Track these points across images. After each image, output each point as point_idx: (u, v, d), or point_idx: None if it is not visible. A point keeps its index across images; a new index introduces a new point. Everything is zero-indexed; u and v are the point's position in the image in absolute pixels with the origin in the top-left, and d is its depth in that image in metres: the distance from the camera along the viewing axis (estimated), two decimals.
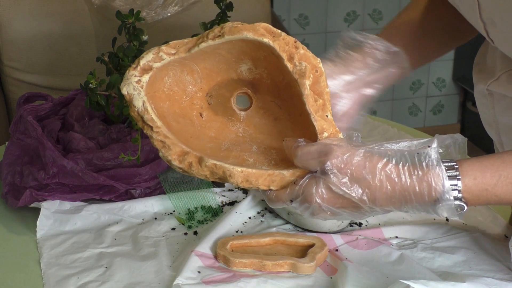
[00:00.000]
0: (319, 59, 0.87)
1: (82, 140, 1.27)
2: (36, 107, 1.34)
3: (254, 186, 0.84)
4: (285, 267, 1.06)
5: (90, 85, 1.24)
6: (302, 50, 0.86)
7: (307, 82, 0.85)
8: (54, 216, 1.20)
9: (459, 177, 0.81)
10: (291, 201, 0.84)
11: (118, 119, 1.34)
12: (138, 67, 0.85)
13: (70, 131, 1.30)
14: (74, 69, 2.11)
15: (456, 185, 0.81)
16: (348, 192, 0.82)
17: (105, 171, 1.24)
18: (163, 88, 0.89)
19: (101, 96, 1.26)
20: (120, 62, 1.33)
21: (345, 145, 0.83)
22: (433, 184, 0.80)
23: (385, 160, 0.82)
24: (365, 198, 0.82)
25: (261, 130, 0.91)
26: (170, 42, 0.88)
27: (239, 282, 1.02)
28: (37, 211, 1.20)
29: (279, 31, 0.86)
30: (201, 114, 0.90)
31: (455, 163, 0.82)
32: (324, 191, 0.82)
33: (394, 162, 0.81)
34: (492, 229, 1.17)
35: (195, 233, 1.17)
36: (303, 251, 1.08)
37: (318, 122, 0.86)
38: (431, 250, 1.11)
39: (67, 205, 1.23)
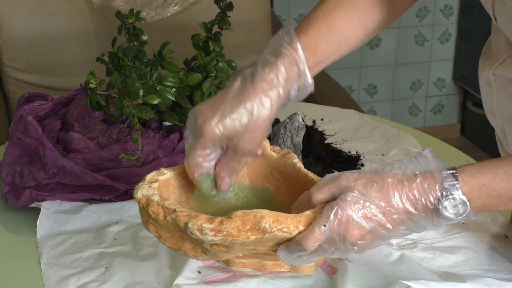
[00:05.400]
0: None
1: (82, 140, 1.27)
2: (36, 107, 1.34)
3: (284, 225, 0.85)
4: (285, 267, 1.06)
5: (90, 85, 1.24)
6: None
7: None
8: (54, 216, 1.20)
9: (457, 174, 0.84)
10: (324, 225, 0.85)
11: (118, 119, 1.34)
12: (146, 180, 0.93)
13: (70, 131, 1.30)
14: (74, 69, 2.11)
15: (455, 180, 0.84)
16: (366, 192, 0.85)
17: (105, 171, 1.24)
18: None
19: (101, 96, 1.26)
20: (120, 62, 1.33)
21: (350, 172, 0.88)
22: (436, 175, 0.84)
23: (388, 168, 0.87)
24: (382, 203, 0.85)
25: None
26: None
27: (239, 282, 1.02)
28: (37, 211, 1.20)
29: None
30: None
31: (451, 167, 0.86)
32: (349, 200, 0.85)
33: (397, 168, 0.87)
34: (492, 229, 1.17)
35: None
36: None
37: (314, 176, 0.96)
38: (431, 250, 1.11)
39: (67, 205, 1.23)
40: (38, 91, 1.60)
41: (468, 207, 0.84)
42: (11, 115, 2.12)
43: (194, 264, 1.05)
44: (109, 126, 1.34)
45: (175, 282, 1.02)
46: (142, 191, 0.90)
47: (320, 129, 1.50)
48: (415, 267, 1.05)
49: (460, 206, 0.84)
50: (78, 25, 2.09)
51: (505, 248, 1.11)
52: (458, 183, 0.84)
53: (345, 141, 1.51)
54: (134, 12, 1.33)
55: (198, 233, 0.85)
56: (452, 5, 3.13)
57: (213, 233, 0.85)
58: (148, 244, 1.14)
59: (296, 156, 1.00)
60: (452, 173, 0.84)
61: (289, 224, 0.85)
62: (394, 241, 1.13)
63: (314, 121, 1.53)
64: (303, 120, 1.31)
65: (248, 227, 0.85)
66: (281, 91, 0.93)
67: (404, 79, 3.21)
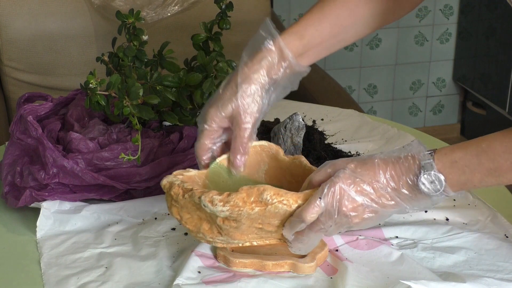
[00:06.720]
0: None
1: (82, 140, 1.27)
2: (36, 107, 1.34)
3: (284, 198, 0.96)
4: (285, 267, 1.06)
5: (90, 85, 1.24)
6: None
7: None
8: (54, 216, 1.20)
9: (433, 154, 0.95)
10: (320, 198, 0.95)
11: (118, 119, 1.34)
12: (172, 173, 1.04)
13: (70, 131, 1.30)
14: (74, 69, 2.11)
15: (431, 158, 0.94)
16: (356, 170, 0.96)
17: (105, 171, 1.24)
18: None
19: (101, 96, 1.26)
20: (120, 62, 1.33)
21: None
22: (416, 156, 0.94)
23: (378, 154, 0.98)
24: (370, 178, 0.95)
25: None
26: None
27: (239, 282, 1.02)
28: (37, 211, 1.20)
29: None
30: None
31: (431, 149, 0.96)
32: (341, 175, 0.96)
33: (386, 153, 0.98)
34: (492, 229, 1.17)
35: None
36: None
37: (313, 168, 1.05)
38: (432, 250, 1.11)
39: (67, 205, 1.23)
40: (38, 91, 1.60)
41: (443, 183, 0.94)
42: (11, 115, 2.12)
43: (194, 264, 1.05)
44: (109, 126, 1.34)
45: (175, 282, 1.01)
46: (167, 179, 1.03)
47: (320, 129, 1.50)
48: (415, 267, 1.05)
49: (436, 182, 0.94)
50: (78, 25, 2.09)
51: (506, 249, 1.11)
52: (433, 161, 0.93)
53: (345, 141, 1.51)
54: (134, 12, 1.33)
55: (209, 204, 0.96)
56: (452, 5, 3.13)
57: (221, 203, 0.96)
58: (148, 244, 1.14)
59: (303, 157, 1.10)
60: (430, 153, 0.95)
61: (289, 198, 0.97)
62: (394, 241, 1.13)
63: (314, 121, 1.53)
64: (303, 120, 1.31)
65: (252, 198, 0.96)
66: (262, 73, 1.06)
67: (404, 79, 3.21)
